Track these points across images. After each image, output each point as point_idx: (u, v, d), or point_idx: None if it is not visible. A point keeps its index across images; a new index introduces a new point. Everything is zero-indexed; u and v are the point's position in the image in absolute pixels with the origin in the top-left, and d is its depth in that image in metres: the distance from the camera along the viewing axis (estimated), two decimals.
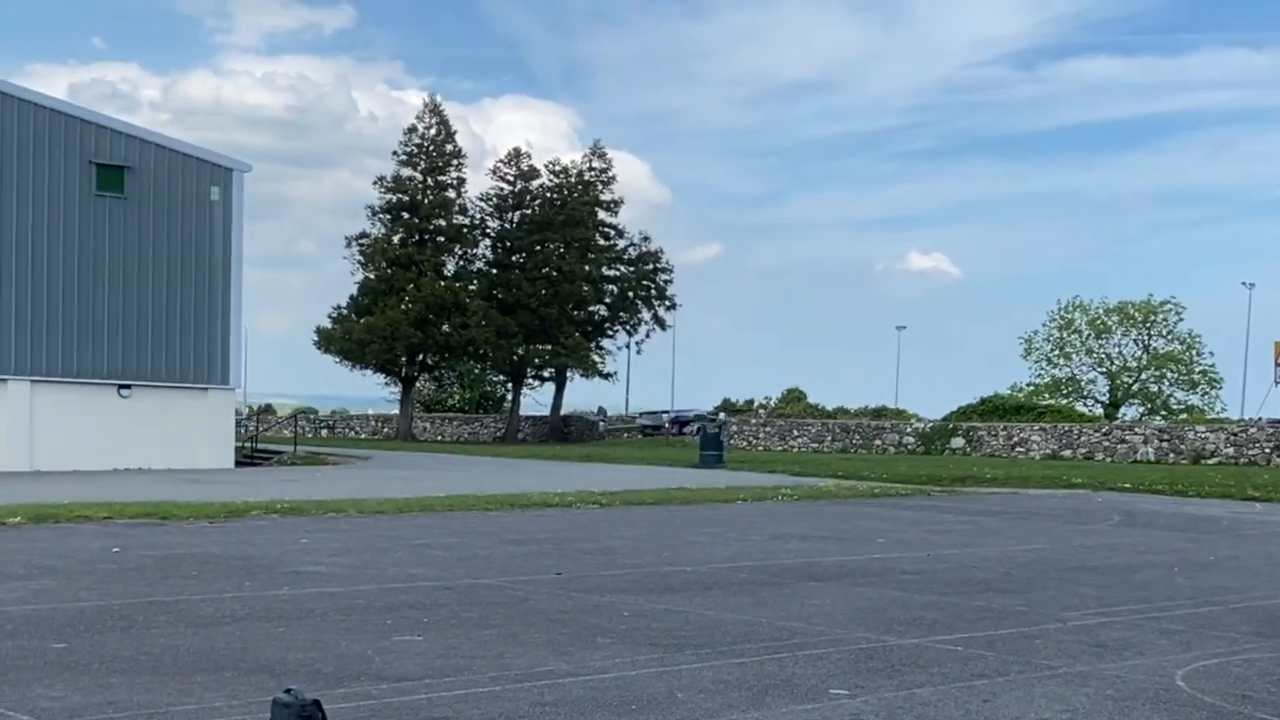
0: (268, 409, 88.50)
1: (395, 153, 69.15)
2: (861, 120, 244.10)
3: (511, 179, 71.78)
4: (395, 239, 68.45)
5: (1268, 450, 45.69)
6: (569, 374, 72.86)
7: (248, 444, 47.24)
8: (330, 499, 23.51)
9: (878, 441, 57.60)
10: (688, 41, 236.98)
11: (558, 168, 72.05)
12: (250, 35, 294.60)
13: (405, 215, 68.56)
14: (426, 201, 68.07)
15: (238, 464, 39.96)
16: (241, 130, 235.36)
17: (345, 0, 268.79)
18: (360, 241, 69.04)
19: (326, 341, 68.40)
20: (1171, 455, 47.77)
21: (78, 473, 33.59)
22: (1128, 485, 33.29)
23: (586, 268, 69.56)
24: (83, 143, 36.47)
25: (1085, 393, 79.85)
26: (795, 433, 61.05)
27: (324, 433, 77.00)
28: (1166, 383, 78.90)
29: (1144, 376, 79.27)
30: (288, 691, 5.89)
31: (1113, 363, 79.75)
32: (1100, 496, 30.60)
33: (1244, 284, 79.18)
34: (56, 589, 12.59)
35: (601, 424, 75.01)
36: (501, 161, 72.45)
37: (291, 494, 24.61)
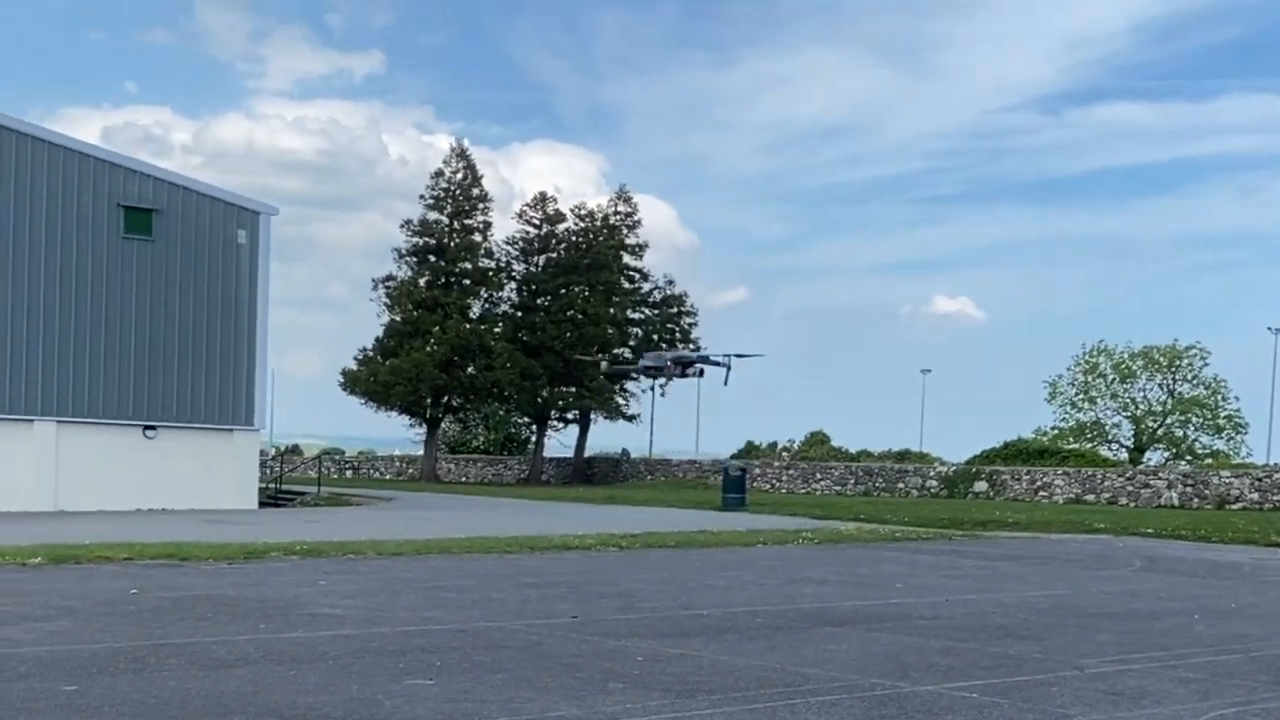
0: (294, 449, 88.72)
1: (422, 196, 69.67)
2: (887, 165, 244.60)
3: (537, 223, 72.15)
4: (421, 282, 68.78)
5: None
6: (593, 416, 73.03)
7: (272, 484, 47.37)
8: (350, 540, 23.56)
9: (900, 485, 57.44)
10: (714, 88, 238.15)
11: (583, 212, 72.41)
12: (282, 80, 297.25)
13: (432, 258, 68.92)
14: (453, 245, 68.44)
15: (261, 505, 40.09)
16: (273, 174, 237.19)
17: (376, 46, 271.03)
18: (387, 284, 69.43)
19: (352, 383, 68.69)
20: (1195, 500, 47.49)
21: (102, 513, 33.74)
22: (1150, 530, 33.10)
23: (611, 311, 69.73)
24: (111, 186, 36.84)
25: (1109, 437, 79.52)
26: (818, 475, 60.94)
27: (349, 473, 77.12)
28: (1191, 427, 78.51)
29: (1169, 421, 78.89)
30: None
31: (1137, 407, 79.45)
32: (1122, 542, 30.43)
33: (1270, 329, 78.71)
34: (72, 630, 12.65)
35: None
36: (528, 205, 72.96)
37: (312, 535, 24.67)
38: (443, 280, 68.72)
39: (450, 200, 69.01)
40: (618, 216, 72.03)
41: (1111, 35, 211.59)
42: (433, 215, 69.03)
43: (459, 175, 69.50)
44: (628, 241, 71.95)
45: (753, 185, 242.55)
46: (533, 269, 72.13)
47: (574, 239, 71.42)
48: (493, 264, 70.95)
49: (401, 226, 69.40)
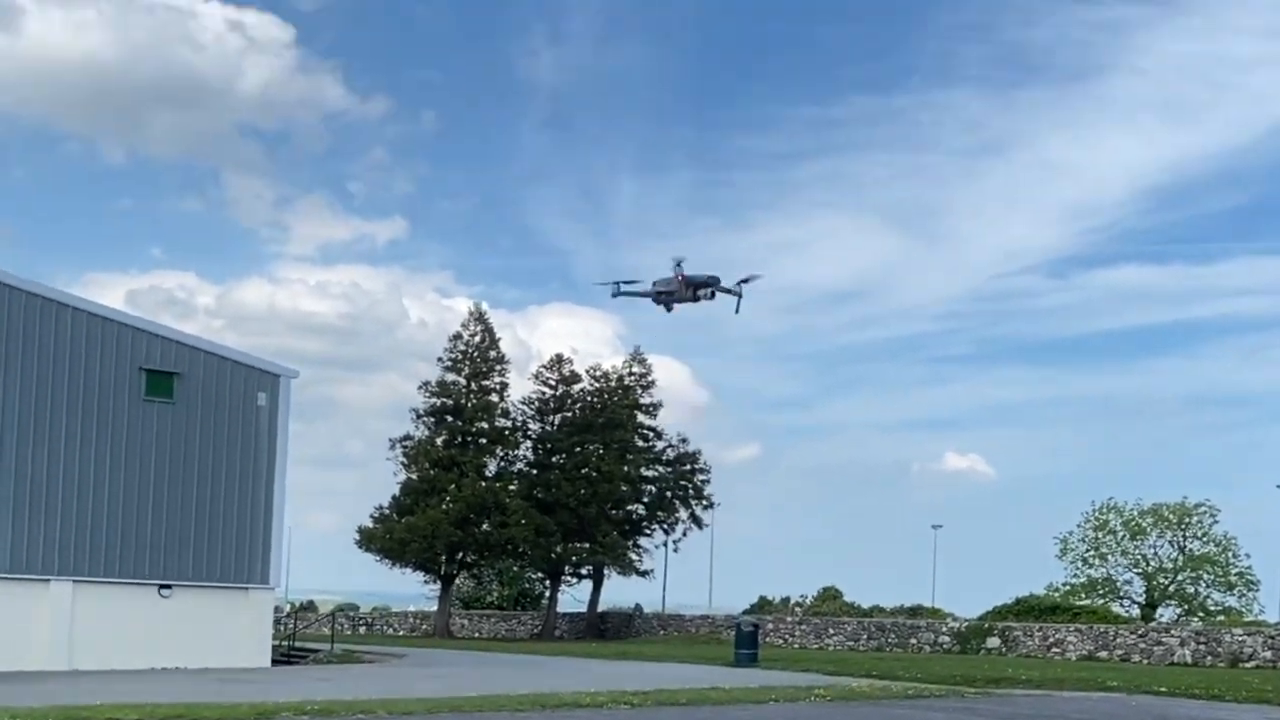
0: (309, 606, 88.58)
1: (440, 359, 70.68)
2: (898, 326, 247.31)
3: (553, 383, 73.25)
4: (439, 441, 69.43)
5: None
6: (606, 571, 73.18)
7: (285, 642, 47.46)
8: (360, 699, 23.71)
9: (913, 640, 57.20)
10: (728, 253, 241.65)
11: (598, 373, 73.74)
12: (306, 246, 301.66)
13: (449, 418, 69.70)
14: (470, 405, 69.29)
15: (275, 662, 40.19)
16: (295, 336, 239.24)
17: (398, 213, 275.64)
18: (404, 444, 70.15)
19: (368, 540, 69.06)
20: (1209, 658, 47.18)
21: (116, 672, 33.88)
22: (1163, 689, 32.97)
23: (625, 468, 70.42)
24: (134, 349, 37.69)
25: (1121, 594, 79.16)
26: (831, 631, 60.74)
27: (362, 630, 77.01)
28: (1203, 584, 78.17)
29: (1180, 578, 78.60)
30: None
31: (1148, 564, 79.22)
32: (1135, 700, 30.34)
33: (1279, 487, 78.80)
34: None
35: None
36: (544, 367, 74.19)
37: (323, 694, 24.84)
38: (459, 440, 69.40)
39: (468, 362, 70.01)
40: (632, 377, 73.21)
41: (1115, 203, 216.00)
42: (450, 377, 69.95)
43: (477, 338, 70.63)
44: (642, 401, 73.01)
45: (766, 345, 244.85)
46: (548, 428, 73.01)
47: (589, 399, 72.57)
48: (509, 423, 71.77)
49: (420, 388, 70.40)
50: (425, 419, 70.16)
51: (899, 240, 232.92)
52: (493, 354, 70.57)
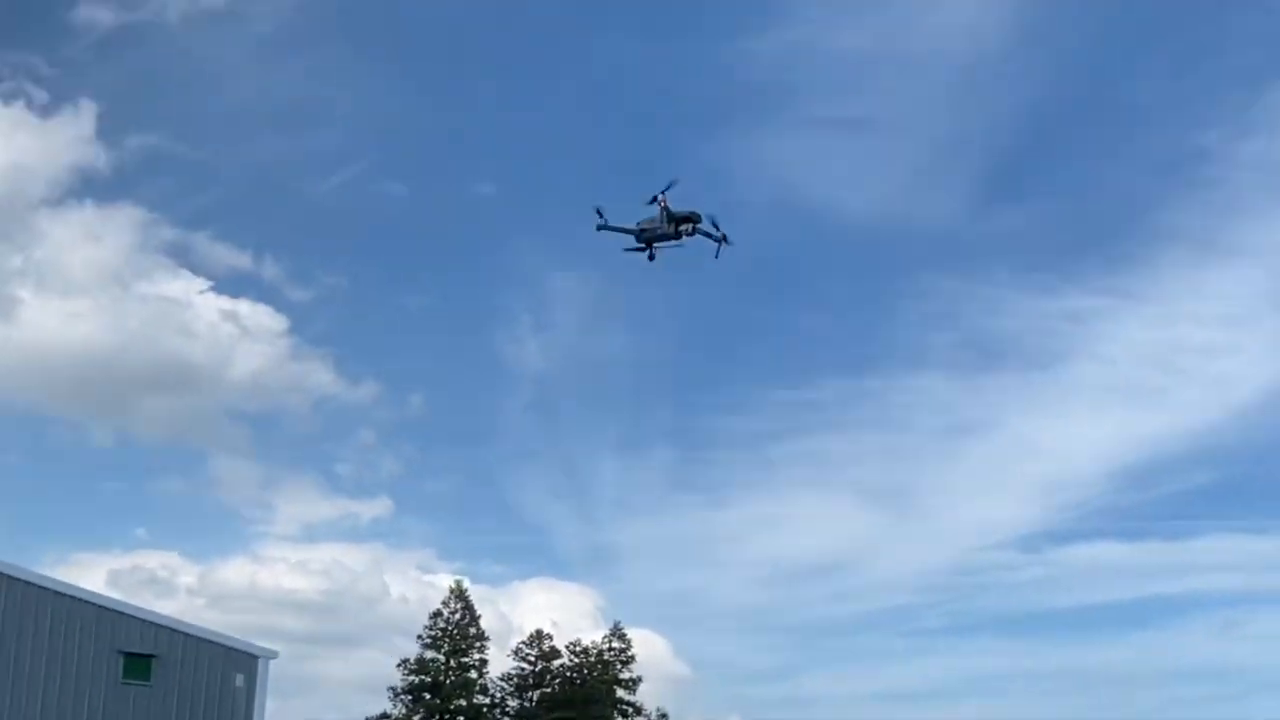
0: None
1: (420, 636, 70.50)
2: (874, 600, 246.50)
3: (533, 659, 73.09)
4: (415, 719, 68.64)
5: None
6: None
7: None
8: None
9: None
10: (709, 528, 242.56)
11: (578, 648, 73.74)
12: (289, 525, 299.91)
13: (427, 696, 69.24)
14: (448, 682, 68.85)
15: None
16: (276, 613, 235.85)
17: (383, 492, 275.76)
18: None
19: None
20: None
21: None
22: None
23: None
24: (113, 633, 38.01)
25: None
26: None
27: None
28: None
29: None
30: None
31: None
32: None
33: None
34: None
35: None
36: (524, 643, 74.17)
37: None
38: (437, 718, 68.61)
39: (448, 639, 69.94)
40: (612, 652, 73.29)
41: (1086, 482, 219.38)
42: (430, 654, 69.78)
43: (457, 615, 70.80)
44: (621, 676, 72.90)
45: (745, 618, 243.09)
46: (527, 704, 72.45)
47: (569, 674, 72.31)
48: (487, 700, 71.19)
49: (399, 665, 69.99)
50: (403, 697, 69.59)
51: (876, 516, 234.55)
52: (473, 630, 70.58)
